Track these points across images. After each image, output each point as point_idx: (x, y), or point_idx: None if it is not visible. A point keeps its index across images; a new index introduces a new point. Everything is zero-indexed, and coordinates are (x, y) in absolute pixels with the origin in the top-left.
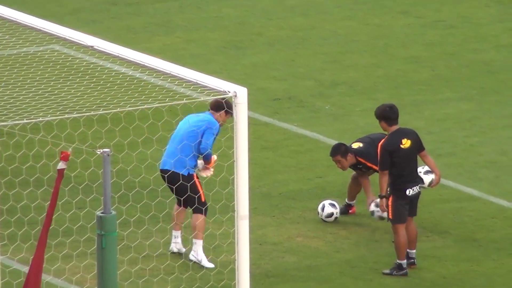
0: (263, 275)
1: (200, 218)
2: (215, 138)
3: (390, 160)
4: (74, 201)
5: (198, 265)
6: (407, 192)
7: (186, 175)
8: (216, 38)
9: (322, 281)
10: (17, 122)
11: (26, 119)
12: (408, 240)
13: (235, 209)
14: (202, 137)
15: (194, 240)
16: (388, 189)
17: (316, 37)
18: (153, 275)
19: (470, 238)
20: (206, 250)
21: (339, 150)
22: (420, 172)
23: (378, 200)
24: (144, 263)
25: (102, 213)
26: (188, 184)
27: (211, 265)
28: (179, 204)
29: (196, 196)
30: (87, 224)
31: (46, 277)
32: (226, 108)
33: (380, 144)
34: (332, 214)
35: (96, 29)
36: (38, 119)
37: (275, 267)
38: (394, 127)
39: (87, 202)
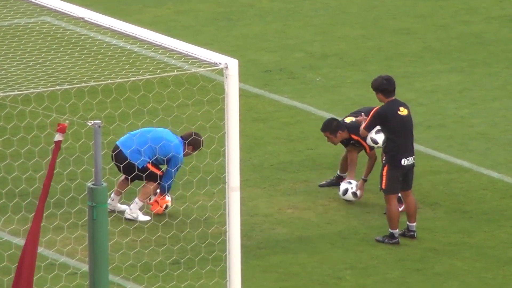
0: (254, 247)
1: (151, 185)
2: (179, 167)
3: (385, 127)
4: (65, 173)
5: (189, 236)
6: (402, 162)
7: (141, 167)
8: (207, 10)
9: (313, 252)
10: (8, 93)
11: (17, 91)
12: (408, 214)
13: (226, 180)
14: (168, 163)
15: (135, 199)
16: (383, 159)
17: (307, 9)
18: (144, 246)
19: (461, 209)
20: (197, 222)
21: (329, 127)
22: (372, 133)
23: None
24: (135, 235)
25: (93, 184)
26: (144, 175)
27: (146, 218)
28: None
29: (149, 175)
30: (78, 195)
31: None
32: (200, 147)
33: (375, 109)
34: (346, 190)
35: (87, 0)
36: (29, 91)
37: (266, 239)
38: (391, 99)
39: (78, 173)
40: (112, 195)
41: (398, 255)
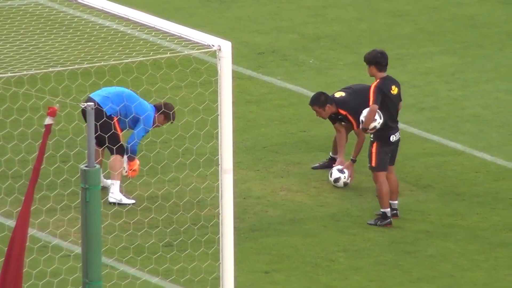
0: (247, 229)
1: (116, 159)
2: (148, 130)
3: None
4: (58, 155)
5: (182, 219)
6: (391, 138)
7: (109, 114)
8: None
9: (306, 235)
10: (1, 75)
11: (10, 73)
12: (390, 191)
13: (219, 163)
14: (135, 126)
15: (110, 181)
16: (372, 136)
17: None
18: (137, 228)
19: (454, 192)
20: (190, 204)
21: (317, 101)
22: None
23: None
24: (128, 217)
25: (86, 166)
26: (106, 124)
27: (131, 201)
28: (96, 144)
29: (112, 137)
30: (71, 177)
31: (30, 231)
32: (171, 120)
33: (373, 85)
34: (339, 178)
35: None
36: (22, 73)
37: (259, 221)
38: (383, 74)
39: (71, 155)
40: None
41: (391, 237)
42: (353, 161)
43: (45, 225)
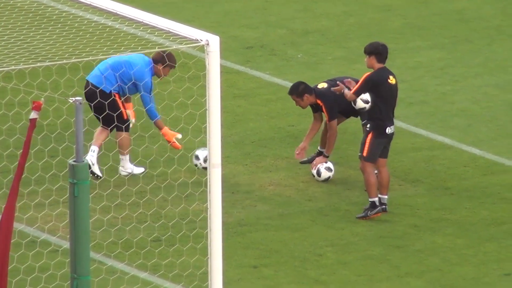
0: (235, 224)
1: (122, 135)
2: (151, 89)
3: (374, 93)
4: (46, 150)
5: (170, 213)
6: (387, 130)
7: (107, 92)
8: None
9: (294, 229)
10: None
11: None
12: (381, 185)
13: (208, 157)
14: (137, 89)
15: (120, 157)
16: (368, 126)
17: None
18: (125, 223)
19: (442, 186)
20: (178, 199)
21: (296, 90)
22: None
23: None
24: (117, 212)
25: (74, 161)
26: (106, 102)
27: (141, 169)
28: (103, 124)
29: (116, 114)
30: (60, 172)
31: (18, 226)
32: (168, 62)
33: (367, 74)
34: (328, 178)
35: None
36: (10, 68)
37: (247, 216)
38: (381, 65)
39: (59, 150)
40: (91, 146)
41: (379, 232)
42: (325, 156)
43: (34, 220)
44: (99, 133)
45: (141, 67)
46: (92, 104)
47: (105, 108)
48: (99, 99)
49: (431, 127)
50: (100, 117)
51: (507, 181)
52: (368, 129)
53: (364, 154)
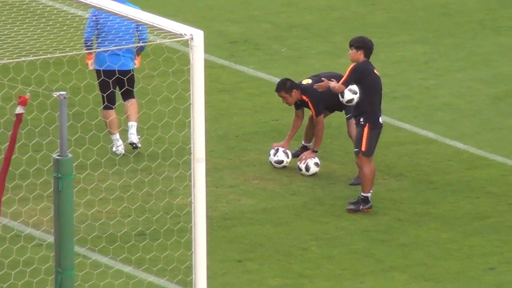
0: (219, 218)
1: (136, 102)
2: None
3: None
4: (30, 144)
5: (155, 208)
6: (380, 120)
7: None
8: None
9: (279, 223)
10: None
11: None
12: None
13: (192, 152)
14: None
15: (131, 124)
16: (362, 119)
17: None
18: (109, 217)
19: (426, 180)
20: (162, 193)
21: (284, 86)
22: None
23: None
24: (101, 206)
25: (58, 155)
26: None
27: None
28: (123, 98)
29: (132, 79)
30: (44, 167)
31: (2, 220)
32: None
33: (353, 64)
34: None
35: None
36: None
37: (232, 210)
38: (365, 60)
39: (43, 145)
40: (116, 136)
41: (363, 226)
42: (314, 151)
43: (18, 214)
44: (134, 107)
45: (143, 28)
46: (126, 78)
47: (134, 80)
48: (132, 73)
49: (415, 121)
50: (131, 89)
51: (491, 175)
52: (362, 122)
53: (363, 149)
